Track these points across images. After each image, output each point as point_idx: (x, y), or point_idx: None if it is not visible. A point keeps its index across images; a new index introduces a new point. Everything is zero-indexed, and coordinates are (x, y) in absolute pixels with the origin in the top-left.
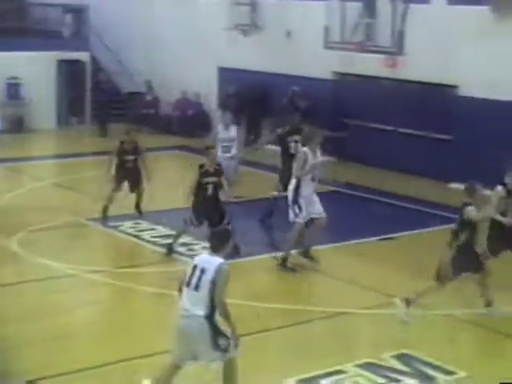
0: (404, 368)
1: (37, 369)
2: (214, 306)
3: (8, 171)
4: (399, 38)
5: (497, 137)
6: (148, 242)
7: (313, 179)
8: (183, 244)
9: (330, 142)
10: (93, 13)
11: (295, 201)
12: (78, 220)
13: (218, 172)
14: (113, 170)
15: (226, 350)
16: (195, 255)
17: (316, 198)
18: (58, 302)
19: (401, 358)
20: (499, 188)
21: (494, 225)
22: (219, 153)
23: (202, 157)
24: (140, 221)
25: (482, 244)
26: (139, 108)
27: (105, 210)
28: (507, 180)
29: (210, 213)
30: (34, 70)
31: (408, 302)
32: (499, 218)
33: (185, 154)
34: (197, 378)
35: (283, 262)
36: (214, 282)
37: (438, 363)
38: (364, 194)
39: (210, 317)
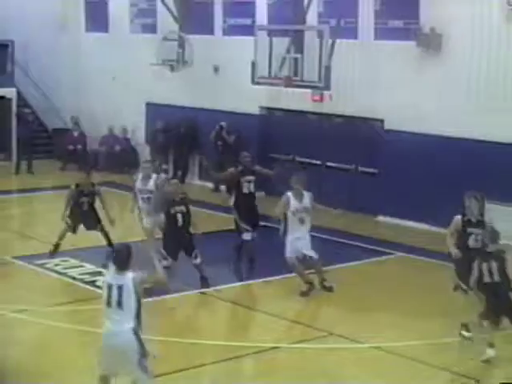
0: None
1: None
2: (139, 319)
3: None
4: (326, 72)
5: (422, 170)
6: (75, 279)
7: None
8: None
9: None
10: (18, 48)
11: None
12: (3, 258)
13: (185, 201)
14: (67, 211)
15: (146, 372)
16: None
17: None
18: None
19: None
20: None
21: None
22: (140, 204)
23: (130, 193)
24: (68, 258)
25: None
26: (66, 144)
27: (56, 247)
28: (466, 211)
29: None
30: None
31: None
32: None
33: (112, 190)
34: None
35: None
36: (136, 295)
37: None
38: None
39: (136, 330)
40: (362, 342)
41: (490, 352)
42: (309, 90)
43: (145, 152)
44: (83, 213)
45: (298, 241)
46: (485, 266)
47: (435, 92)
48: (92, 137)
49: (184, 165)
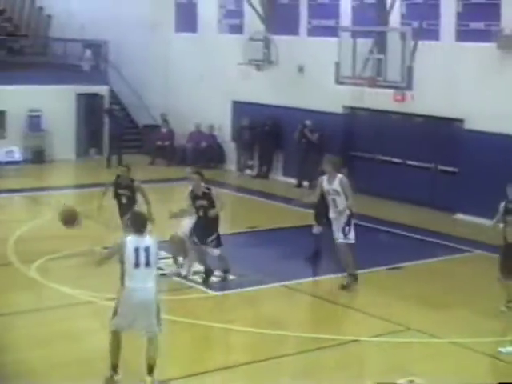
0: None
1: None
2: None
3: (28, 200)
4: (408, 73)
5: (501, 169)
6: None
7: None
8: (196, 272)
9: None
10: (111, 48)
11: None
12: (95, 248)
13: (207, 195)
14: (104, 202)
15: (160, 326)
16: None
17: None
18: (76, 329)
19: None
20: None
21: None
22: None
23: (216, 188)
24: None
25: None
26: (155, 140)
27: None
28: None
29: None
30: (54, 103)
31: None
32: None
33: None
34: None
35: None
36: (157, 256)
37: None
38: (372, 225)
39: (156, 288)
40: (439, 337)
41: None
42: (391, 90)
43: (230, 148)
44: (122, 206)
45: (333, 221)
46: None
47: None
48: (180, 133)
49: (268, 161)
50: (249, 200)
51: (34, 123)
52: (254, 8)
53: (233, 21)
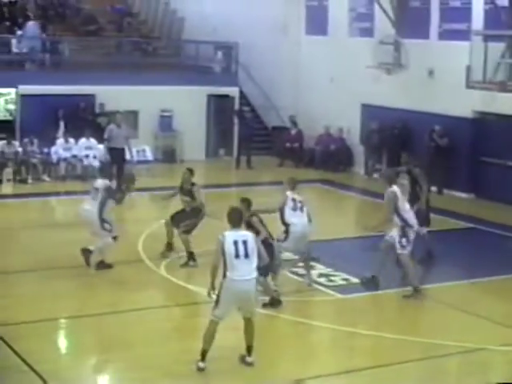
0: None
1: None
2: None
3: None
4: None
5: None
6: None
7: None
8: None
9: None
10: (242, 50)
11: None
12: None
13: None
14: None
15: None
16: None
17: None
18: (201, 326)
19: None
20: None
21: None
22: None
23: (344, 191)
24: None
25: None
26: (284, 141)
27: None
28: None
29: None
30: (185, 104)
31: None
32: None
33: (326, 187)
34: None
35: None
36: (256, 249)
37: None
38: (501, 232)
39: (257, 278)
40: None
41: None
42: None
43: (359, 151)
44: (182, 210)
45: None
46: None
47: None
48: (309, 135)
49: (396, 165)
50: (377, 204)
51: (166, 123)
52: (384, 11)
53: (363, 24)
